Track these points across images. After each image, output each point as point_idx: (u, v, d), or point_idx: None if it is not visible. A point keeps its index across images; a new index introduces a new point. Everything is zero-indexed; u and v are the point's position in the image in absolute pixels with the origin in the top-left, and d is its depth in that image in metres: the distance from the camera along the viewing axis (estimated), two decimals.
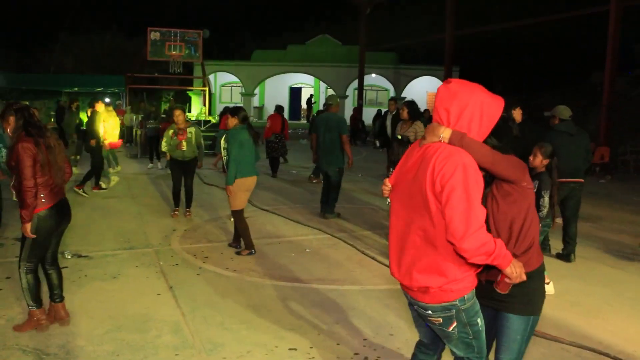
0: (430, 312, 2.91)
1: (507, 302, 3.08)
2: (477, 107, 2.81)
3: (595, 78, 26.35)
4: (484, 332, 3.02)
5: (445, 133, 2.78)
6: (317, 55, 39.57)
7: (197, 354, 4.47)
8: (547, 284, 5.92)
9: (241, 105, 29.99)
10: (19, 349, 4.48)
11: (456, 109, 2.81)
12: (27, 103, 19.35)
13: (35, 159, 4.56)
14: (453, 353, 3.07)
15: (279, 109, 15.18)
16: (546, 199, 5.65)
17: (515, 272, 2.80)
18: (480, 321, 2.97)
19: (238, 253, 7.30)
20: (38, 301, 4.85)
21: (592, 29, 28.28)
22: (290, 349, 4.58)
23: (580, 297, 6.07)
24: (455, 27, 24.39)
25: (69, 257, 6.98)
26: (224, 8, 48.86)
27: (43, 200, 4.67)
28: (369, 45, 31.63)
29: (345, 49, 40.24)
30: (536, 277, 3.11)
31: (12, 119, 4.70)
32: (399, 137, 8.45)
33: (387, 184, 3.16)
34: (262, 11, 51.59)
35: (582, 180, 7.34)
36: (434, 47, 36.27)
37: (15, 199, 4.72)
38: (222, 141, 7.32)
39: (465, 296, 2.85)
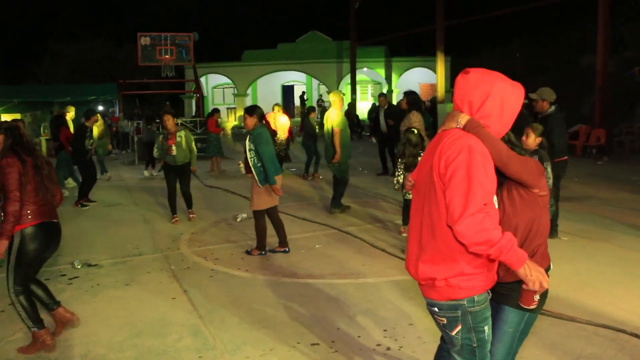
0: (436, 309, 2.75)
1: (506, 294, 2.93)
2: (498, 99, 2.68)
3: (584, 61, 26.43)
4: (489, 343, 2.81)
5: (462, 119, 2.68)
6: (307, 52, 39.53)
7: (221, 355, 4.48)
8: None
9: (253, 105, 30.07)
10: None
11: (477, 101, 2.69)
12: (20, 117, 19.18)
13: (20, 174, 4.44)
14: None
15: (311, 108, 15.76)
16: (549, 169, 5.82)
17: (530, 274, 2.52)
18: (487, 329, 2.75)
19: (249, 252, 7.29)
20: (38, 322, 4.65)
21: (580, 13, 28.35)
22: (312, 344, 4.60)
23: (591, 277, 6.10)
24: (445, 18, 24.41)
25: (79, 266, 6.98)
26: (213, 10, 48.80)
27: (29, 216, 4.50)
28: (360, 39, 31.62)
29: (335, 44, 40.21)
30: None
31: (0, 138, 4.59)
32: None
33: (411, 180, 3.08)
34: (250, 11, 51.48)
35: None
36: (424, 38, 36.35)
37: None
38: (247, 142, 7.07)
39: (475, 297, 2.65)
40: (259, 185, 7.03)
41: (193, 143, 9.41)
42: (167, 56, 23.15)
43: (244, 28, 50.35)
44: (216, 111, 17.01)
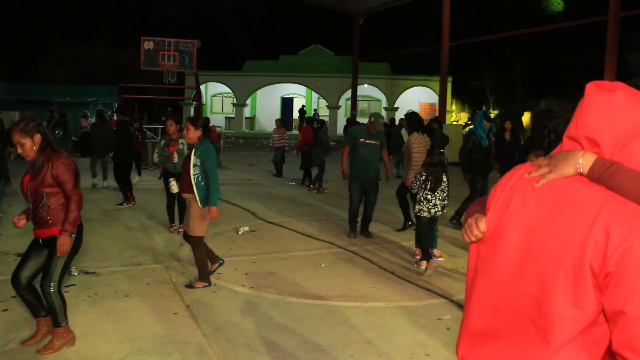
0: None
1: None
2: None
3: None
4: None
5: (586, 159, 1.69)
6: (309, 66, 39.47)
7: None
8: None
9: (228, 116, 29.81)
10: None
11: (620, 133, 1.70)
12: (18, 115, 18.92)
13: (75, 172, 4.56)
14: None
15: (309, 120, 16.37)
16: None
17: None
18: None
19: (189, 286, 6.33)
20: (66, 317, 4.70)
21: (587, 39, 28.36)
22: None
23: None
24: (451, 38, 24.32)
25: (76, 273, 6.69)
26: (217, 18, 48.69)
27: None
28: (363, 55, 31.52)
29: (337, 59, 40.20)
30: None
31: (38, 137, 4.47)
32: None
33: (481, 226, 1.85)
34: (254, 21, 51.39)
35: None
36: (426, 57, 36.32)
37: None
38: (193, 157, 6.27)
39: None
40: (200, 206, 6.27)
41: None
42: (170, 62, 22.93)
43: (246, 38, 50.21)
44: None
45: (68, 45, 38.63)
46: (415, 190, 7.22)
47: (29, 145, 4.43)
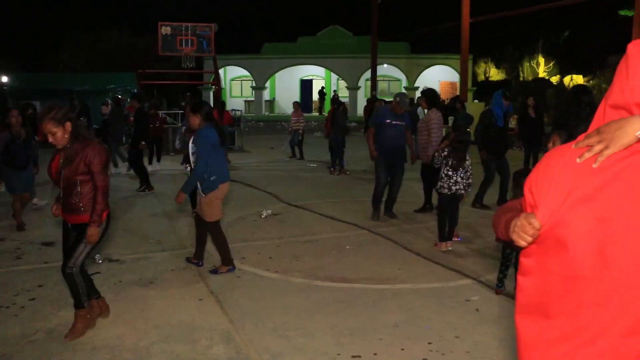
0: None
1: None
2: None
3: (612, 60, 25.90)
4: None
5: None
6: (328, 47, 39.18)
7: None
8: None
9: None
10: None
11: None
12: (38, 103, 19.00)
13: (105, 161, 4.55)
14: None
15: (335, 101, 15.37)
16: None
17: None
18: None
19: (214, 271, 6.27)
20: (86, 299, 4.71)
21: (608, 13, 27.77)
22: (353, 357, 4.26)
23: None
24: (471, 14, 23.89)
25: (100, 261, 6.68)
26: (233, 1, 48.52)
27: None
28: (381, 35, 31.16)
29: (356, 39, 39.88)
30: None
31: (68, 125, 4.43)
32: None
33: (535, 223, 1.56)
34: (272, 3, 51.15)
35: None
36: (445, 35, 35.85)
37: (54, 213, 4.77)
38: (191, 144, 6.18)
39: None
40: (202, 194, 6.15)
41: None
42: (187, 47, 22.85)
43: (264, 20, 50.04)
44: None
45: (85, 33, 38.72)
46: (438, 165, 7.10)
47: (60, 134, 4.40)
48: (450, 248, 7.06)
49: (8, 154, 8.10)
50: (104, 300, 5.01)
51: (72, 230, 4.64)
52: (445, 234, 7.13)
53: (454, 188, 6.96)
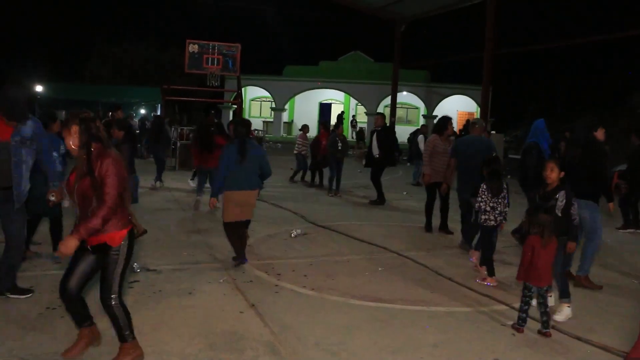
0: None
1: None
2: None
3: (636, 99, 25.98)
4: None
5: None
6: (348, 72, 39.57)
7: None
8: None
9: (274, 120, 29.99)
10: None
11: None
12: (64, 113, 19.34)
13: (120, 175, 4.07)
14: None
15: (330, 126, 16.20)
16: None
17: None
18: None
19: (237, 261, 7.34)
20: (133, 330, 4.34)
21: (629, 52, 27.92)
22: None
23: None
24: (495, 47, 24.09)
25: (138, 270, 6.83)
26: (257, 23, 49.15)
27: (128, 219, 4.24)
28: (402, 62, 31.42)
29: (377, 65, 40.24)
30: None
31: (74, 128, 4.07)
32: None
33: None
34: (295, 27, 51.80)
35: None
36: (465, 66, 36.13)
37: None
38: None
39: None
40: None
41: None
42: (213, 65, 23.20)
43: (286, 43, 50.62)
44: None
45: (112, 46, 39.35)
46: (483, 206, 7.02)
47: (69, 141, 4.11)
48: (495, 284, 6.92)
49: None
50: (96, 327, 4.57)
51: (92, 253, 4.18)
52: (494, 269, 7.05)
53: (499, 219, 7.03)
